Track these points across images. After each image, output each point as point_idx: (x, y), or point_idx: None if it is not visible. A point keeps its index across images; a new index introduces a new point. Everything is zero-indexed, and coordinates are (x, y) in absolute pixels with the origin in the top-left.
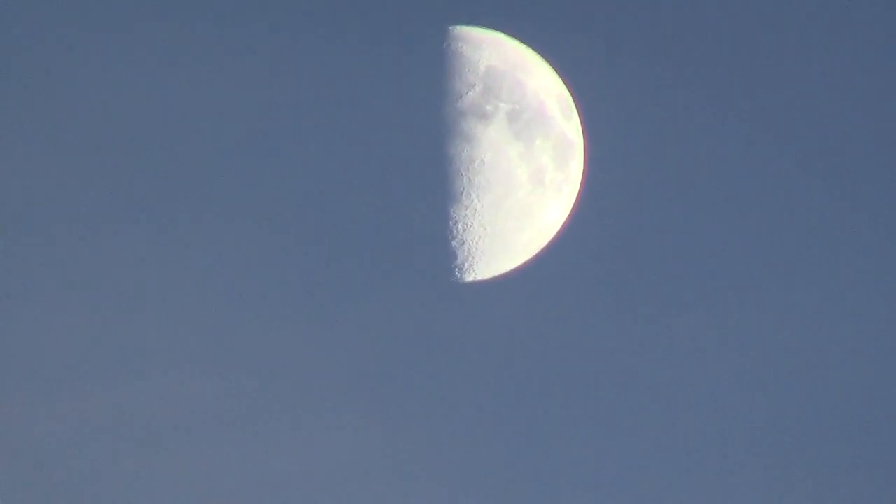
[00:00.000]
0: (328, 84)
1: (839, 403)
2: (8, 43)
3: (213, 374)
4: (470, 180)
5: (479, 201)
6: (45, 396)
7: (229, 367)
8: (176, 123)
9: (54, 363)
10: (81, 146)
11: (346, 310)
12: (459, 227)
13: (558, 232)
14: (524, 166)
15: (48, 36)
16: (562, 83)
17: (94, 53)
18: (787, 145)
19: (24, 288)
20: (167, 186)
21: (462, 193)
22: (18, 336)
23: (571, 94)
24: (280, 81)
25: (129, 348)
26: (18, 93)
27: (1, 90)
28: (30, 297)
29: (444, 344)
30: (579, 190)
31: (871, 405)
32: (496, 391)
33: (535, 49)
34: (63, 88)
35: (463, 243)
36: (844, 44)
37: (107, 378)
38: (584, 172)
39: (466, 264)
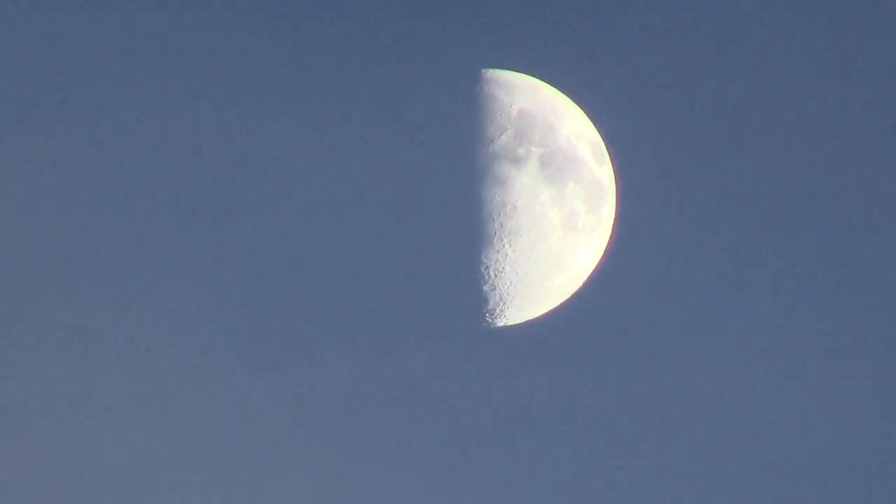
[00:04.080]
0: (360, 126)
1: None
2: (8, 43)
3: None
4: (502, 225)
5: (510, 246)
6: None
7: (238, 411)
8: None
9: (15, 406)
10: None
11: (374, 353)
12: (491, 271)
13: (590, 277)
14: (556, 211)
15: (47, 36)
16: (594, 127)
17: (95, 54)
18: (829, 191)
19: None
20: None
21: (494, 238)
22: None
23: (603, 139)
24: (312, 122)
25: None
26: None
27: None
28: None
29: (474, 389)
30: (611, 235)
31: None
32: (525, 437)
33: (567, 93)
34: (49, 89)
35: (494, 288)
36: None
37: (74, 421)
38: (616, 217)
39: (497, 309)
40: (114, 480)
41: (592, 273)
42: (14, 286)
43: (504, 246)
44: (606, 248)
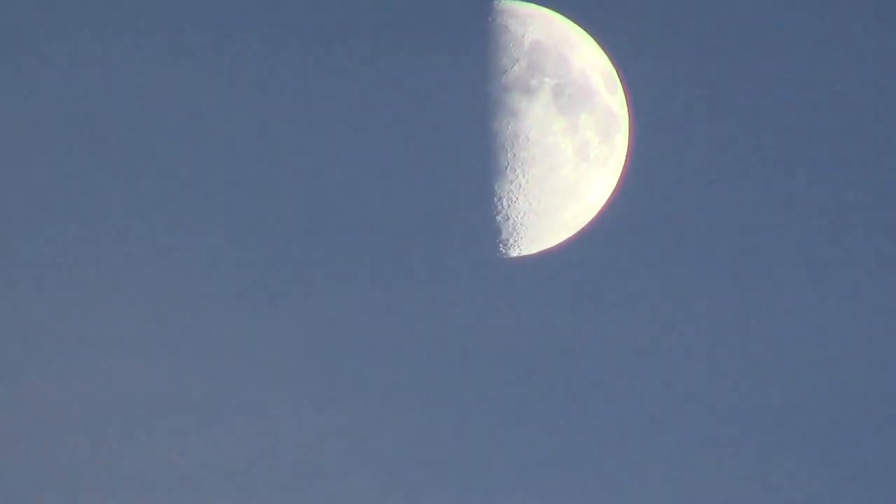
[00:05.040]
0: (373, 60)
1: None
2: (7, 41)
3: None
4: (514, 155)
5: (523, 177)
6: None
7: (247, 345)
8: (201, 113)
9: (14, 341)
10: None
11: (391, 284)
12: (504, 202)
13: (603, 207)
14: (569, 141)
15: (45, 34)
16: (606, 58)
17: (94, 52)
18: (840, 121)
19: None
20: (163, 175)
21: (506, 169)
22: None
23: (616, 69)
24: (323, 54)
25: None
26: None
27: None
28: None
29: (487, 319)
30: (624, 165)
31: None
32: (540, 367)
33: (579, 24)
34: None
35: (507, 219)
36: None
37: (63, 364)
38: (628, 147)
39: (511, 240)
40: (112, 416)
41: (606, 203)
42: (10, 222)
43: (517, 177)
44: (620, 178)
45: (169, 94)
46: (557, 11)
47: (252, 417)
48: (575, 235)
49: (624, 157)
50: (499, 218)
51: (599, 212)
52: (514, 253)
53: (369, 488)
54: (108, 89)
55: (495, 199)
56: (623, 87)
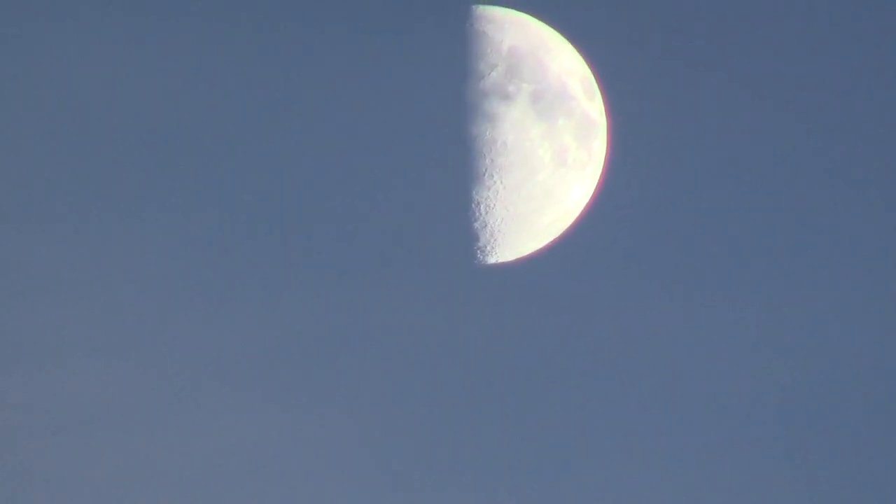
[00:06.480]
0: (350, 64)
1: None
2: (6, 40)
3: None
4: (492, 161)
5: (501, 182)
6: None
7: (227, 348)
8: (189, 111)
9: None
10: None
11: (366, 291)
12: (482, 208)
13: (581, 213)
14: (547, 147)
15: (44, 32)
16: (584, 63)
17: (92, 49)
18: (817, 129)
19: None
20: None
21: (484, 174)
22: None
23: (594, 75)
24: (302, 59)
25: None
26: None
27: None
28: None
29: (466, 327)
30: (602, 170)
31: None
32: (519, 375)
33: (557, 29)
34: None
35: (485, 225)
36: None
37: (57, 364)
38: (607, 153)
39: (489, 246)
40: (106, 416)
41: (584, 209)
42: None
43: (495, 182)
44: (598, 183)
45: (155, 91)
46: (535, 17)
47: (243, 418)
48: (553, 241)
49: (602, 163)
50: (476, 224)
51: (577, 217)
52: (491, 260)
53: (360, 489)
54: (99, 88)
55: (473, 206)
56: (601, 92)
